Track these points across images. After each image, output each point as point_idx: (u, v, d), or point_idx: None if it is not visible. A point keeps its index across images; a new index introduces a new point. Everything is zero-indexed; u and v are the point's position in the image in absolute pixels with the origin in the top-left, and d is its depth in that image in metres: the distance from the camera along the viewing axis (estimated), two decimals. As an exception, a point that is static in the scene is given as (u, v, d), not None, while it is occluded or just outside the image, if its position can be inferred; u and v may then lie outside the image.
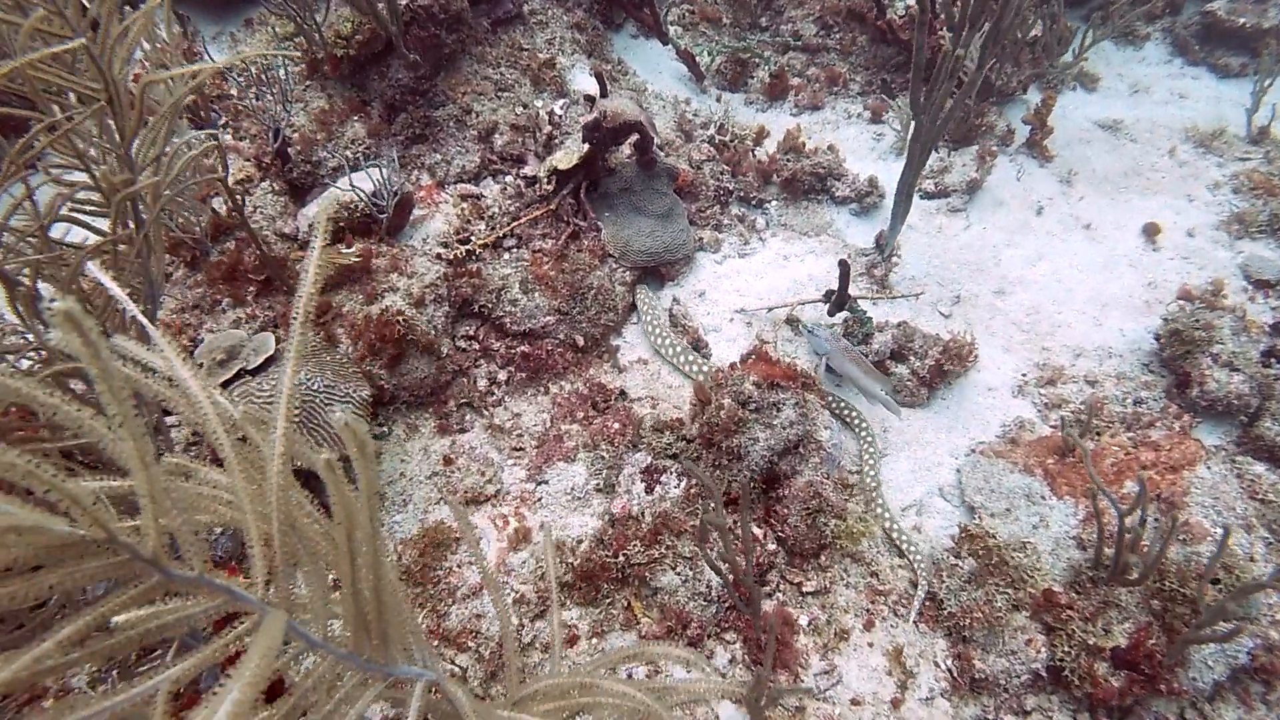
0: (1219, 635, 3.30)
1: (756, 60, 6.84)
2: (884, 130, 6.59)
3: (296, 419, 3.33)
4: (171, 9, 5.17)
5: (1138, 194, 6.46)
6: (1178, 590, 3.52)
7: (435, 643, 3.40)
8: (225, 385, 3.38)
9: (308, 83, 5.06)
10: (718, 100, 6.52)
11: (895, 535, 4.04)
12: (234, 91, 5.00)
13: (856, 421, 4.48)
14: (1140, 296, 5.52)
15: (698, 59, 6.48)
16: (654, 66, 6.59)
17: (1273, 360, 4.71)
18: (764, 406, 3.76)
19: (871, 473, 4.26)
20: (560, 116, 4.80)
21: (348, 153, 4.78)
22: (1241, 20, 7.75)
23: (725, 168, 5.61)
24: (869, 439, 4.39)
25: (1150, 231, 5.97)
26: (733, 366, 4.09)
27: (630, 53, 6.57)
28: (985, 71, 4.59)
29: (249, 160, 4.69)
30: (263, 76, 5.06)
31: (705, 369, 4.39)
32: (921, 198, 6.08)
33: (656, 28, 6.22)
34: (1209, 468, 4.16)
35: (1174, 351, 4.72)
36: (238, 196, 4.14)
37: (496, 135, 4.97)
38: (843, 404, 4.53)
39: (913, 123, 4.78)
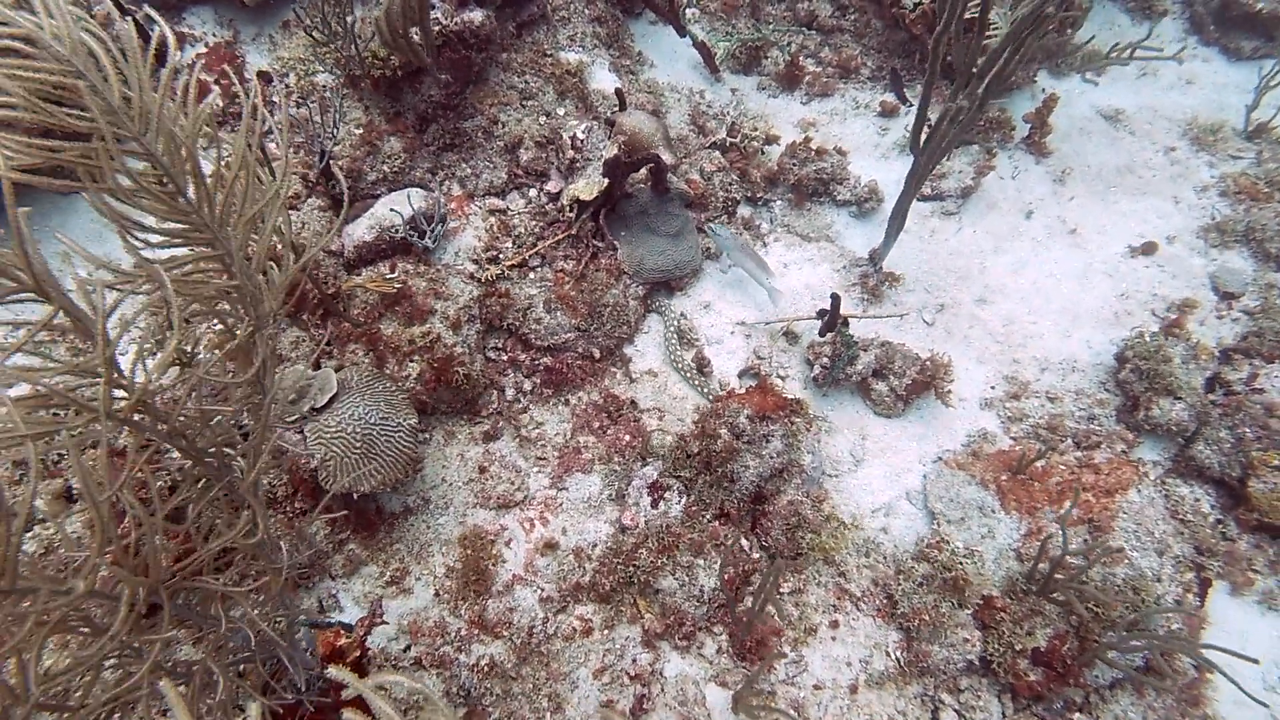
0: (1122, 665, 4.07)
1: (771, 42, 7.00)
2: (890, 124, 6.85)
3: (359, 450, 3.95)
4: (217, 18, 5.46)
5: (1127, 195, 6.79)
6: (1092, 609, 4.23)
7: (476, 631, 4.15)
8: (296, 422, 3.97)
9: (345, 91, 5.37)
10: (732, 92, 6.76)
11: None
12: (275, 99, 5.32)
13: None
14: (1111, 308, 5.99)
15: (714, 49, 6.67)
16: (671, 53, 6.78)
17: (1216, 387, 5.25)
18: (755, 439, 4.36)
19: None
20: (582, 141, 5.14)
21: (384, 167, 5.17)
22: (1260, 6, 7.76)
23: (735, 177, 5.97)
24: None
25: (1136, 247, 6.35)
26: (730, 394, 4.67)
27: (648, 40, 6.75)
28: (984, 111, 4.90)
29: (294, 174, 5.08)
30: (301, 85, 5.37)
31: (709, 391, 5.00)
32: (918, 200, 6.44)
33: (674, 20, 6.39)
34: (1139, 491, 4.81)
35: (1131, 375, 5.24)
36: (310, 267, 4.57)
37: (522, 150, 5.33)
38: None
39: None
